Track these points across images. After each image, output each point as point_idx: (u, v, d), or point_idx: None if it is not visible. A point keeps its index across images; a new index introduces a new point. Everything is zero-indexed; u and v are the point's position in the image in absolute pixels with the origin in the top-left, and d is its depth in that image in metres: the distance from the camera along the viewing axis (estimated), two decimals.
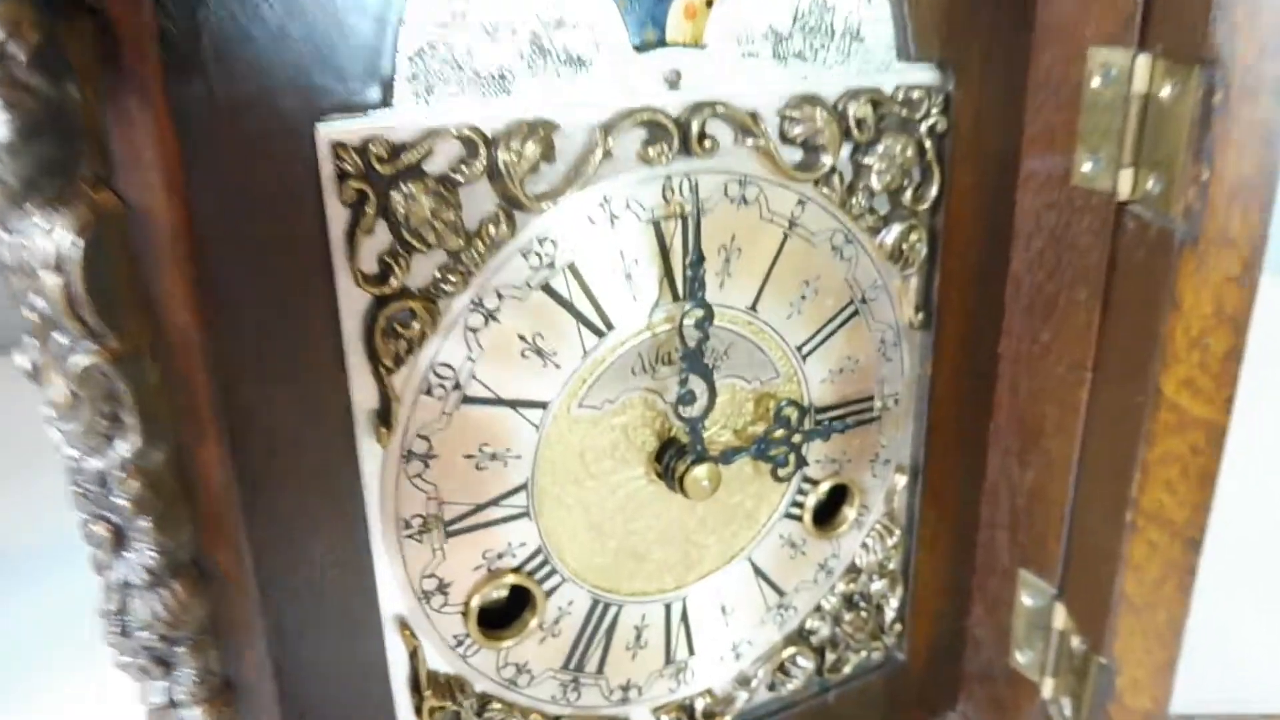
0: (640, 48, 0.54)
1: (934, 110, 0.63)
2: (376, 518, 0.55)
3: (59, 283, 0.35)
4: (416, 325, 0.52)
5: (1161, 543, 0.62)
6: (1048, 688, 0.73)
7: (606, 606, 0.64)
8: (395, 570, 0.56)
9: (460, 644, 0.60)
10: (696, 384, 0.60)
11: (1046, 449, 0.70)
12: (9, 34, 0.32)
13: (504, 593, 0.61)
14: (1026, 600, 0.73)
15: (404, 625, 0.58)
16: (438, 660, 0.59)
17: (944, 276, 0.67)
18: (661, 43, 0.55)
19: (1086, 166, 0.62)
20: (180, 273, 0.40)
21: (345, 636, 0.55)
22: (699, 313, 0.58)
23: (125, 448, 0.38)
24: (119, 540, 0.40)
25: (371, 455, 0.53)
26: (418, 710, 0.59)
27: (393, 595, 0.57)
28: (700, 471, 0.60)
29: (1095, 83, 0.60)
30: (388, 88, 0.48)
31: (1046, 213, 0.66)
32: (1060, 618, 0.71)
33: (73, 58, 0.34)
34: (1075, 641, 0.69)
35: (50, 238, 0.35)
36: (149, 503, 0.39)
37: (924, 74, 0.62)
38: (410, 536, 0.56)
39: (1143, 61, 0.57)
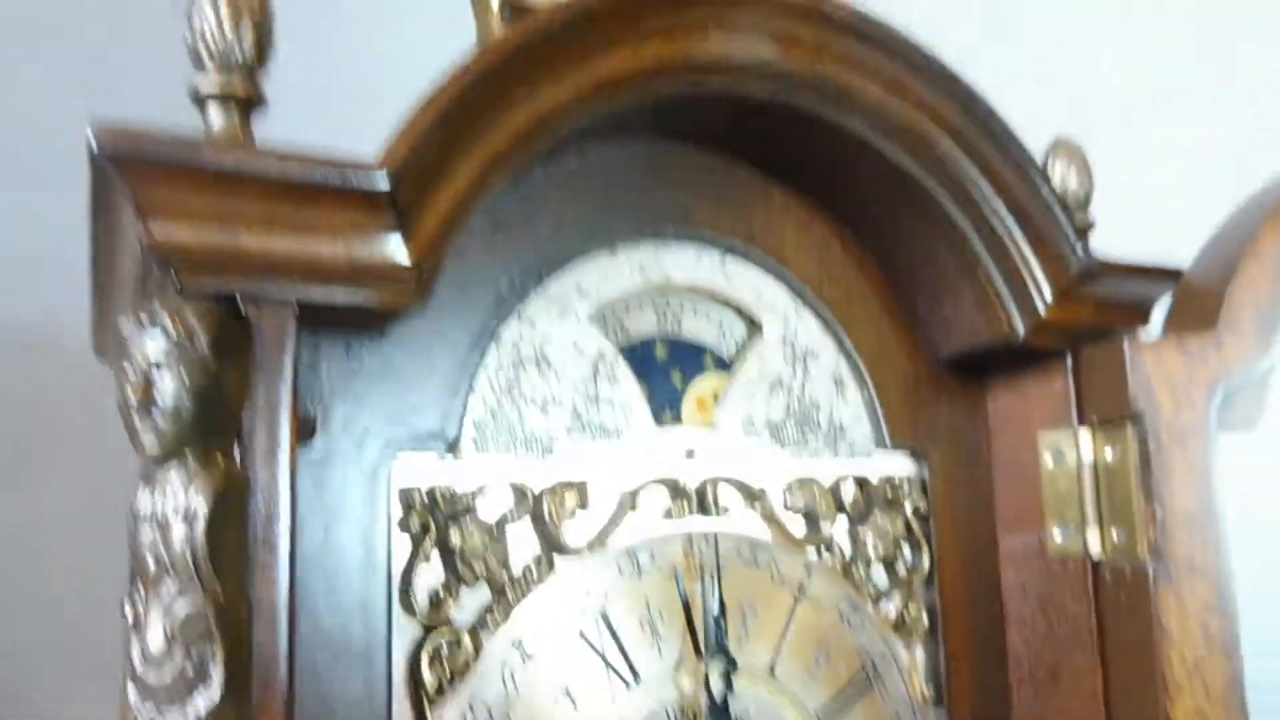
0: (661, 425, 0.64)
1: (914, 493, 0.71)
2: None
3: (184, 533, 0.41)
4: (461, 657, 0.55)
5: None
6: None
7: None
8: None
9: None
10: None
11: None
12: (200, 322, 0.42)
13: None
14: None
15: None
16: None
17: (948, 651, 0.70)
18: (678, 421, 0.65)
19: (1058, 536, 0.69)
20: (271, 552, 0.45)
21: None
22: (723, 663, 0.61)
23: (204, 702, 0.40)
24: None
25: None
26: None
27: None
28: None
29: (1049, 462, 0.70)
30: (455, 440, 0.56)
31: (1032, 585, 0.71)
32: None
33: (235, 350, 0.43)
34: None
35: (185, 493, 0.41)
36: None
37: (901, 461, 0.71)
38: None
39: (1084, 434, 0.67)
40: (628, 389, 0.63)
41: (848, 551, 0.69)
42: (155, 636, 0.40)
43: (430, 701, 0.54)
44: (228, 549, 0.42)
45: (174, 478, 0.41)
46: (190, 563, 0.41)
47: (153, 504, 0.41)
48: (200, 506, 0.41)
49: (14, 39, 0.95)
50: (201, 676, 0.40)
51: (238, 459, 0.44)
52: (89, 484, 0.89)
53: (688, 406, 0.66)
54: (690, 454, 0.64)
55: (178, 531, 0.41)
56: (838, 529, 0.68)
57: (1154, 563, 0.61)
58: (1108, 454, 0.65)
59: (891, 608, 0.69)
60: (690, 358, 0.68)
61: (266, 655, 0.44)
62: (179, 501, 0.41)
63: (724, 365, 0.68)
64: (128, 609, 0.41)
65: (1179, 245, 0.68)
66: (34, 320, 0.91)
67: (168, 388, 0.42)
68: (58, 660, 0.90)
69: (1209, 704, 0.59)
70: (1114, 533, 0.65)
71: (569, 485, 0.59)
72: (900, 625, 0.70)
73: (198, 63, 0.46)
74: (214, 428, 0.43)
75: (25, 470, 0.93)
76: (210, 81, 0.45)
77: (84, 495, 0.91)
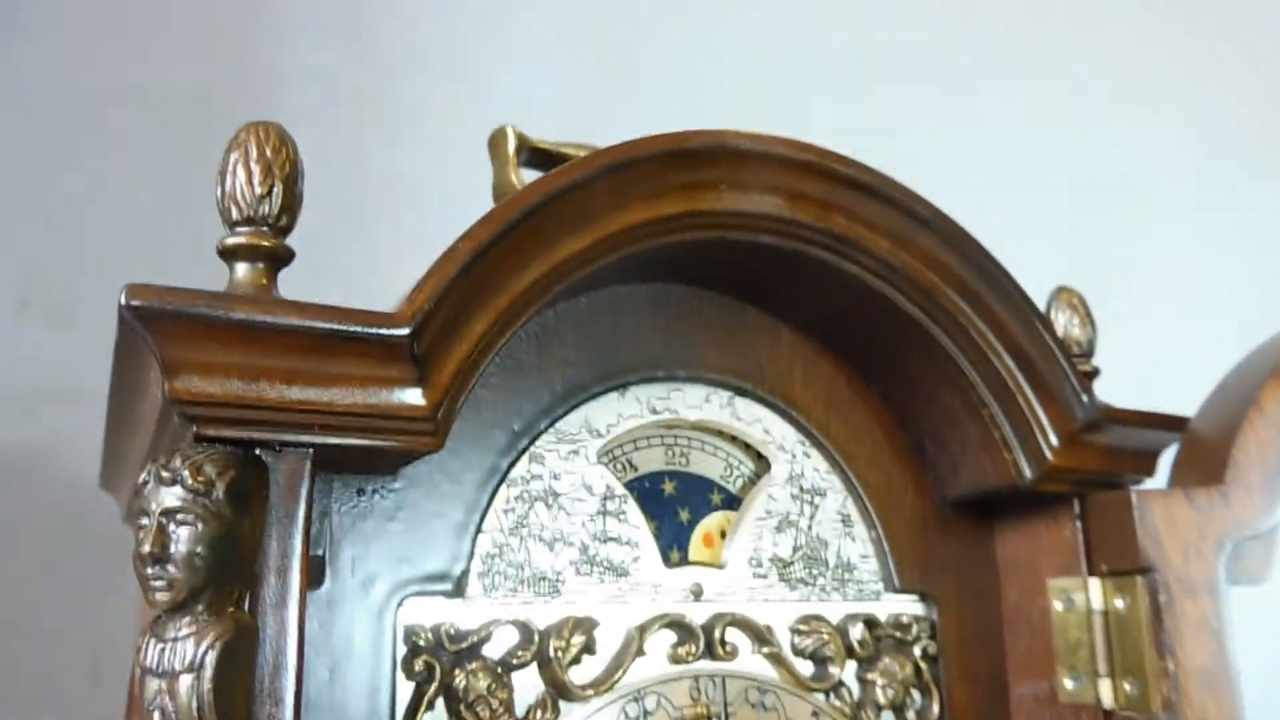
0: (669, 563, 0.64)
1: (923, 635, 0.71)
2: None
3: (190, 684, 0.41)
4: None
5: None
6: None
7: None
8: None
9: None
10: None
11: None
12: (218, 472, 0.43)
13: None
14: None
15: None
16: None
17: None
18: (686, 561, 0.65)
19: (1069, 684, 0.68)
20: (278, 705, 0.45)
21: None
22: None
23: None
24: None
25: None
26: None
27: None
28: None
29: (1059, 609, 0.69)
30: (462, 580, 0.57)
31: None
32: None
33: (251, 498, 0.44)
34: None
35: (193, 643, 0.41)
36: None
37: (909, 600, 0.71)
38: None
39: (1094, 584, 0.67)
40: (636, 527, 0.63)
41: (856, 694, 0.68)
42: None
43: None
44: (234, 700, 0.42)
45: (183, 629, 0.42)
46: (196, 715, 0.41)
47: (160, 656, 0.41)
48: (209, 658, 0.41)
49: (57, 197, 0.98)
50: None
51: (247, 607, 0.44)
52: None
53: (695, 543, 0.66)
54: (698, 593, 0.64)
55: (184, 683, 0.41)
56: (846, 672, 0.68)
57: (1168, 718, 0.60)
58: (1118, 604, 0.65)
59: None
60: (698, 492, 0.68)
61: None
62: (187, 653, 0.41)
63: (731, 499, 0.68)
64: None
65: (1183, 392, 0.69)
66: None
67: (183, 536, 0.42)
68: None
69: None
70: (1126, 685, 0.64)
71: (576, 625, 0.59)
72: None
73: (227, 220, 0.47)
74: (226, 577, 0.43)
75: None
76: (238, 238, 0.47)
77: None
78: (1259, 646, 0.65)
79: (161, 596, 0.42)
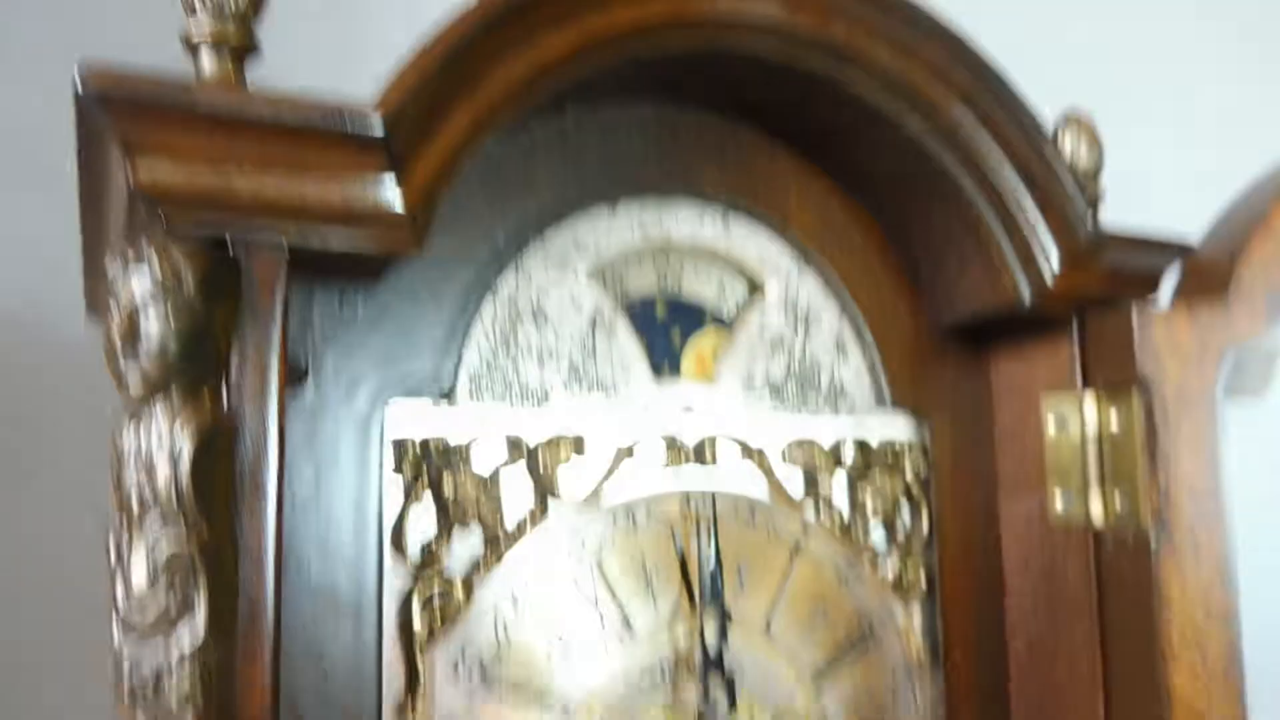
0: (660, 382, 0.64)
1: (915, 455, 0.71)
2: None
3: (169, 472, 0.41)
4: (453, 605, 0.55)
5: None
6: None
7: None
8: None
9: None
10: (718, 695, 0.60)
11: None
12: (188, 263, 0.42)
13: None
14: None
15: None
16: None
17: (945, 614, 0.70)
18: (677, 379, 0.65)
19: (1060, 502, 0.68)
20: (258, 493, 0.45)
21: None
22: (718, 615, 0.61)
23: (188, 639, 0.40)
24: None
25: None
26: None
27: None
28: None
29: (1052, 426, 0.69)
30: (449, 387, 0.57)
31: (1032, 550, 0.71)
32: None
33: (222, 290, 0.43)
34: None
35: (171, 432, 0.41)
36: (197, 705, 0.40)
37: (902, 422, 0.71)
38: None
39: (1089, 397, 0.66)
40: (626, 344, 0.63)
41: (846, 512, 0.68)
42: (139, 575, 0.41)
43: (421, 650, 0.55)
44: (215, 490, 0.42)
45: (159, 415, 0.41)
46: (175, 501, 0.41)
47: (138, 441, 0.41)
48: (185, 444, 0.41)
49: None
50: (185, 614, 0.41)
51: (225, 401, 0.44)
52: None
53: (687, 363, 0.66)
54: (689, 409, 0.64)
55: (163, 469, 0.41)
56: (836, 489, 0.68)
57: (1157, 531, 0.61)
58: (1112, 419, 0.64)
59: (889, 568, 0.69)
60: (689, 317, 0.67)
61: (252, 597, 0.44)
62: (164, 439, 0.41)
63: (724, 321, 0.68)
64: (112, 547, 0.42)
65: (1185, 221, 0.67)
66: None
67: (153, 328, 0.42)
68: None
69: (1206, 673, 0.59)
70: (1117, 500, 0.64)
71: (564, 436, 0.59)
72: (898, 586, 0.69)
73: (190, 9, 0.45)
74: (200, 369, 0.43)
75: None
76: (203, 28, 0.45)
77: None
78: (1252, 461, 0.65)
79: (134, 385, 0.41)
